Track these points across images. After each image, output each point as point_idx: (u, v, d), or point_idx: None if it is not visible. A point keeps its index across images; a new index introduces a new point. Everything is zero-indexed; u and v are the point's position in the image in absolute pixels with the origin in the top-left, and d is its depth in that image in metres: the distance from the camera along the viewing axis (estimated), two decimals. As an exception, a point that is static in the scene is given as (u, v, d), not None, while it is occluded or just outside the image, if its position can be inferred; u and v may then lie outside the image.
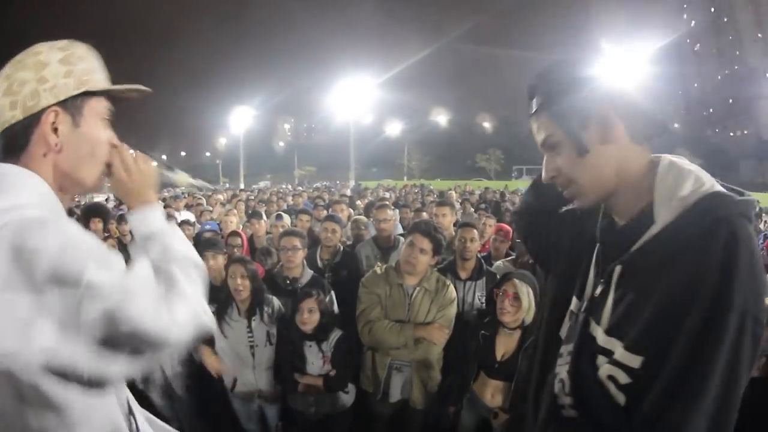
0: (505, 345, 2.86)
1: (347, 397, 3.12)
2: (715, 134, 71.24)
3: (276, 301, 3.21)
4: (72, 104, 1.03)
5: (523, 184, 36.70)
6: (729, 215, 0.91)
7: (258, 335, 3.09)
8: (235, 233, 4.36)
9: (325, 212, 6.66)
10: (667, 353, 0.89)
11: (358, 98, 46.83)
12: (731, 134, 70.31)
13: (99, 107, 1.08)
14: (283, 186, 33.89)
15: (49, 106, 1.00)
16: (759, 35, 67.98)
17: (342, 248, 4.22)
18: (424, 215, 5.78)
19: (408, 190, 16.38)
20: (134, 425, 1.12)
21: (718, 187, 0.96)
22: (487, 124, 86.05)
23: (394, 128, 77.27)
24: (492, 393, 2.88)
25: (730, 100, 70.32)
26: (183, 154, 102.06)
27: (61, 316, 0.83)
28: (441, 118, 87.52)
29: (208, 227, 5.28)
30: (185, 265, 1.08)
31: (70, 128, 1.03)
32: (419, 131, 78.20)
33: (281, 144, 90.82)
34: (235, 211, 6.63)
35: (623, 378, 0.95)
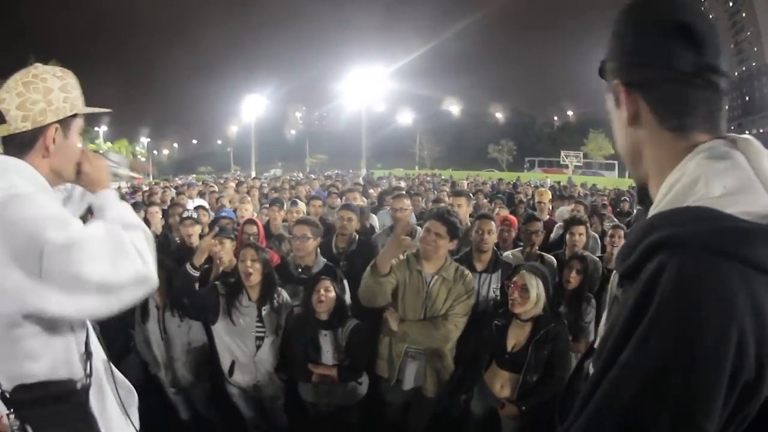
0: (516, 336, 2.87)
1: (360, 387, 3.10)
2: (730, 132, 70.77)
3: (284, 294, 3.18)
4: (65, 122, 1.39)
5: (534, 176, 36.51)
6: (672, 241, 0.69)
7: (268, 325, 3.05)
8: (251, 221, 4.33)
9: (339, 200, 6.64)
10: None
11: (370, 87, 46.72)
12: (746, 132, 69.48)
13: (79, 124, 1.46)
14: (295, 174, 33.96)
15: (52, 123, 1.35)
16: (778, 32, 66.91)
17: (357, 237, 4.20)
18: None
19: (421, 180, 16.30)
20: (89, 365, 1.41)
21: (719, 198, 0.70)
22: (499, 115, 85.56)
23: (406, 117, 77.09)
24: (501, 384, 2.89)
25: (747, 98, 69.31)
26: (195, 142, 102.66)
27: (29, 267, 1.14)
28: (453, 107, 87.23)
29: (224, 214, 5.26)
30: (130, 226, 1.39)
31: (62, 139, 1.39)
32: (431, 121, 78.03)
33: (293, 132, 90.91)
34: (249, 198, 6.63)
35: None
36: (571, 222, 4.18)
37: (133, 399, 1.69)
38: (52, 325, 1.28)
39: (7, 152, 1.33)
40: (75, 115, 1.42)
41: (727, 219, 0.67)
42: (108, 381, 1.54)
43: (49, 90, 1.33)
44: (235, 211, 5.93)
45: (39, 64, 1.38)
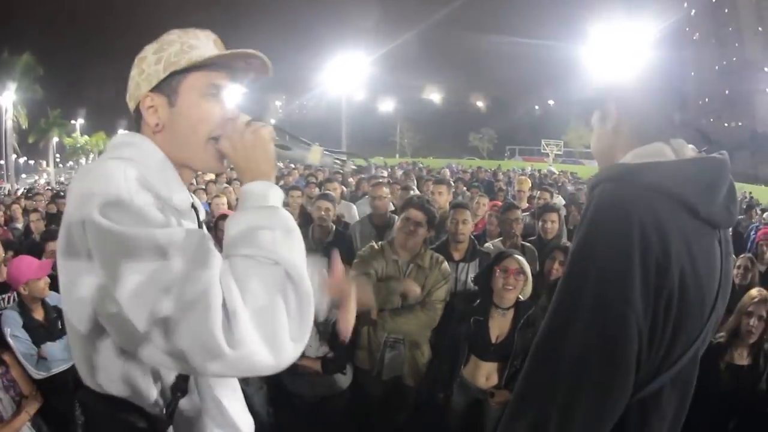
0: (499, 326, 2.86)
1: (344, 378, 3.11)
2: (710, 124, 71.38)
3: None
4: (166, 86, 1.08)
5: (515, 164, 36.79)
6: (596, 181, 1.03)
7: None
8: (224, 216, 4.24)
9: (317, 190, 6.59)
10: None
11: (351, 75, 46.44)
12: (726, 125, 70.34)
13: (198, 83, 1.09)
14: (278, 163, 33.70)
15: (144, 93, 1.08)
16: (759, 29, 67.72)
17: (335, 228, 4.19)
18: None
19: (404, 168, 16.21)
20: (172, 404, 1.06)
21: (628, 161, 1.03)
22: (480, 104, 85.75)
23: (387, 105, 76.83)
24: (486, 375, 2.89)
25: (727, 92, 70.30)
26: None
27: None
28: (434, 96, 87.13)
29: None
30: (294, 276, 0.92)
31: (166, 108, 1.08)
32: (412, 109, 77.89)
33: (273, 121, 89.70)
34: (224, 194, 6.53)
35: None
36: (543, 209, 4.23)
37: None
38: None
39: (131, 128, 1.17)
40: (185, 74, 1.07)
41: (634, 163, 1.00)
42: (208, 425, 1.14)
43: (142, 59, 1.10)
44: (210, 204, 5.86)
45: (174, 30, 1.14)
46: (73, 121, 55.16)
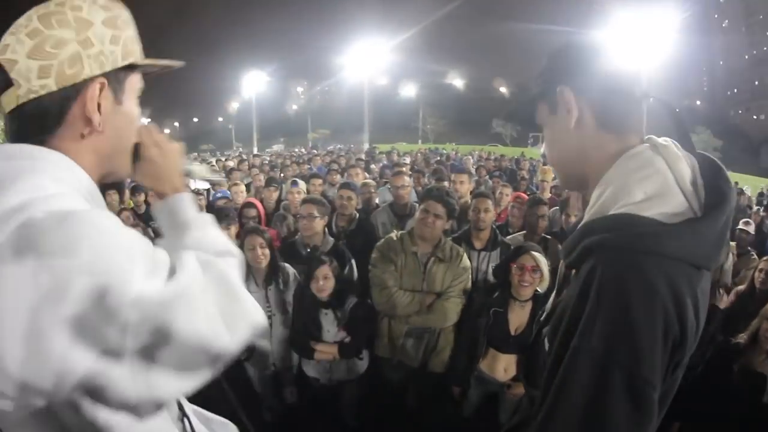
0: (518, 318, 2.87)
1: (361, 363, 3.16)
2: (738, 115, 69.16)
3: (290, 269, 3.22)
4: (115, 77, 0.88)
5: (538, 153, 36.28)
6: (600, 246, 0.86)
7: (275, 304, 3.12)
8: (250, 204, 4.30)
9: (339, 177, 6.62)
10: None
11: (373, 60, 46.20)
12: (754, 117, 67.94)
13: (136, 83, 0.95)
14: (296, 149, 33.80)
15: (93, 77, 0.83)
16: (792, 18, 65.38)
17: (357, 216, 4.21)
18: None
19: (425, 155, 16.15)
20: (188, 427, 1.04)
21: (639, 203, 0.86)
22: (504, 90, 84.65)
23: (409, 91, 76.35)
24: (505, 367, 2.91)
25: (756, 82, 67.98)
26: (195, 120, 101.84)
27: (100, 339, 0.68)
28: (457, 81, 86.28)
29: (219, 195, 5.25)
30: (224, 254, 0.94)
31: (112, 105, 0.88)
32: (434, 94, 77.32)
33: (294, 107, 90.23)
34: (241, 181, 6.60)
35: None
36: (567, 204, 4.14)
37: None
38: (140, 410, 0.79)
39: (19, 135, 0.82)
40: (130, 68, 0.91)
41: (644, 223, 0.84)
42: (209, 430, 1.17)
43: (87, 23, 0.82)
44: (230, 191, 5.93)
45: None
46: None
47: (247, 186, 7.46)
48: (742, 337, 2.75)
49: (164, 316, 0.72)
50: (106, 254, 0.69)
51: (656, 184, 0.87)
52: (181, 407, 1.05)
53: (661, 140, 0.95)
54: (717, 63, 74.75)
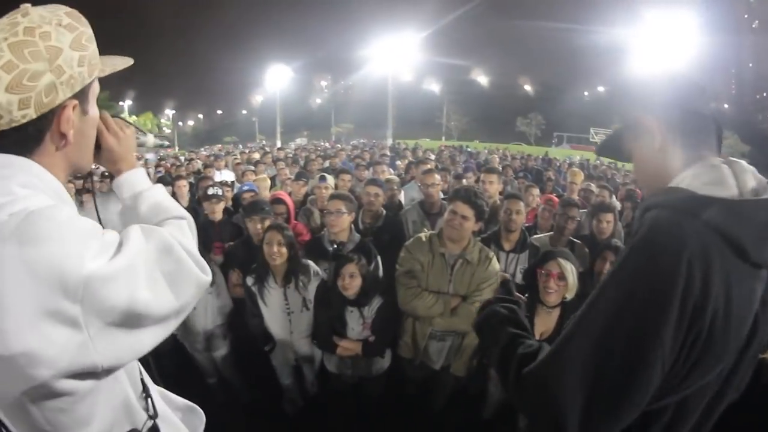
0: (544, 323, 2.82)
1: (383, 361, 3.15)
2: (766, 120, 67.35)
3: (313, 267, 3.21)
4: (82, 93, 0.96)
5: (562, 152, 35.93)
6: (653, 205, 1.02)
7: (293, 302, 3.12)
8: (279, 200, 4.27)
9: (366, 172, 6.60)
10: None
11: (397, 55, 46.10)
12: None
13: (96, 88, 1.03)
14: (321, 143, 33.95)
15: (67, 100, 0.92)
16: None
17: (384, 212, 4.19)
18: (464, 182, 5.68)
19: (451, 152, 16.04)
20: (150, 405, 1.15)
21: (685, 186, 1.00)
22: (528, 88, 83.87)
23: (433, 87, 76.09)
24: None
25: None
26: (219, 112, 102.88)
27: (64, 315, 0.80)
28: (481, 78, 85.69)
29: (246, 188, 5.26)
30: (172, 219, 1.12)
31: (80, 118, 0.98)
32: (459, 91, 76.93)
33: (318, 101, 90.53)
34: (266, 174, 6.63)
35: None
36: (599, 208, 4.02)
37: (200, 419, 1.39)
38: (99, 378, 0.91)
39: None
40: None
41: (695, 194, 0.97)
42: (173, 411, 1.28)
43: (57, 51, 0.88)
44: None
45: (27, 6, 0.90)
46: (120, 103, 57.14)
47: (272, 179, 7.50)
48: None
49: (109, 288, 0.83)
50: (62, 243, 0.81)
51: (713, 176, 0.99)
52: (144, 387, 1.16)
53: (734, 159, 1.05)
54: (746, 65, 72.82)
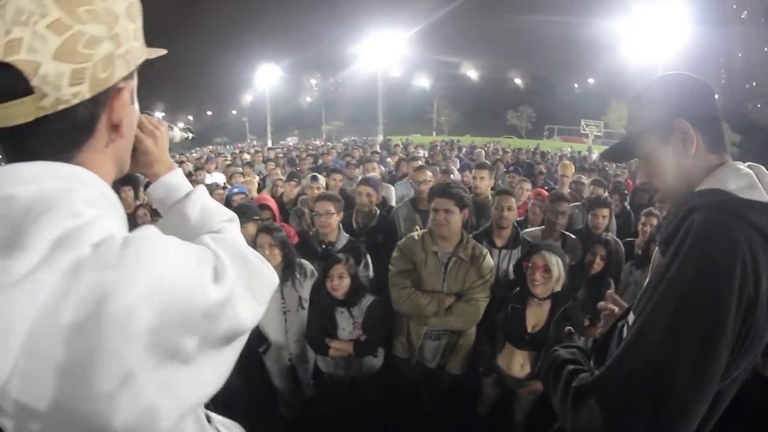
0: (536, 316, 2.84)
1: (376, 360, 3.14)
2: (756, 109, 67.57)
3: (308, 266, 3.20)
4: (131, 75, 0.78)
5: (553, 145, 36.04)
6: (701, 206, 1.05)
7: (289, 300, 3.11)
8: (263, 206, 4.23)
9: (357, 171, 6.59)
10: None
11: (387, 52, 46.06)
12: None
13: (135, 80, 0.85)
14: (313, 141, 33.87)
15: (123, 79, 0.75)
16: (813, 9, 63.67)
17: (378, 212, 4.16)
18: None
19: (443, 147, 16.01)
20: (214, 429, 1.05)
21: (733, 190, 1.04)
22: (518, 81, 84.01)
23: (423, 82, 76.10)
24: (521, 364, 2.88)
25: None
26: (209, 113, 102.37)
27: (186, 351, 0.67)
28: (471, 73, 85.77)
29: (236, 191, 5.24)
30: (227, 220, 1.01)
31: (129, 107, 0.79)
32: (449, 86, 76.98)
33: (308, 99, 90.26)
34: (257, 175, 6.59)
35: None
36: (595, 203, 4.03)
37: None
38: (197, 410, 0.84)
39: (36, 153, 0.68)
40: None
41: (738, 197, 1.03)
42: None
43: (114, 16, 0.70)
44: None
45: None
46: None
47: (263, 179, 7.47)
48: None
49: (225, 313, 0.73)
50: (179, 270, 0.67)
51: (746, 181, 1.05)
52: (208, 416, 1.06)
53: (754, 164, 1.13)
54: (735, 55, 73.15)
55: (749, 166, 1.10)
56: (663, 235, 1.17)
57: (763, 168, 1.12)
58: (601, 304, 1.63)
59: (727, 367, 0.98)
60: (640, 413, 0.95)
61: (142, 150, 0.97)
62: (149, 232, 0.69)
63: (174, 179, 1.02)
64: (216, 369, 0.75)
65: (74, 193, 0.67)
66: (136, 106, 0.86)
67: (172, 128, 1.19)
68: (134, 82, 0.81)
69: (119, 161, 0.83)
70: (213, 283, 0.71)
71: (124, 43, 0.72)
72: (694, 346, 0.93)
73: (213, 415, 1.13)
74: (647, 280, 1.28)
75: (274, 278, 0.93)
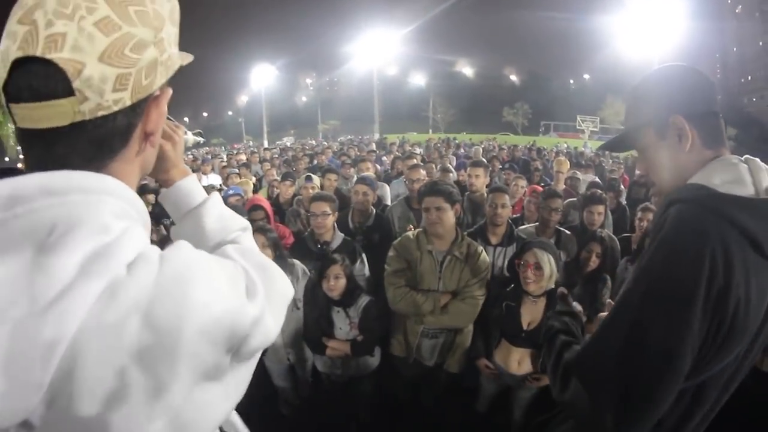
0: (531, 314, 2.84)
1: (373, 359, 3.14)
2: (752, 103, 67.67)
3: (300, 266, 3.19)
4: (167, 82, 0.75)
5: (550, 141, 36.08)
6: (678, 200, 1.07)
7: None
8: (256, 206, 4.23)
9: (352, 170, 6.58)
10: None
11: (382, 50, 46.04)
12: None
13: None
14: (309, 140, 33.85)
15: (161, 88, 0.72)
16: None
17: (374, 211, 4.16)
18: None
19: (439, 145, 16.00)
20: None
21: (717, 185, 1.05)
22: (514, 77, 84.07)
23: (419, 80, 76.14)
24: (519, 360, 2.88)
25: None
26: (205, 114, 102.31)
27: (220, 369, 0.67)
28: (467, 70, 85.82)
29: (231, 192, 5.23)
30: (241, 229, 1.00)
31: (161, 114, 0.75)
32: (444, 83, 77.02)
33: (304, 99, 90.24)
34: (251, 177, 6.58)
35: None
36: (591, 200, 4.00)
37: None
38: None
39: (67, 161, 0.63)
40: None
41: (716, 192, 1.04)
42: None
43: (161, 20, 0.67)
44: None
45: None
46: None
47: (259, 180, 7.46)
48: None
49: (260, 330, 0.72)
50: (219, 290, 0.66)
51: (732, 175, 1.06)
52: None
53: (749, 157, 1.13)
54: (730, 50, 73.28)
55: (745, 160, 1.11)
56: (653, 230, 1.18)
57: (758, 161, 1.12)
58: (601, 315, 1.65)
59: (704, 358, 1.01)
60: (610, 393, 1.01)
61: (160, 155, 0.92)
62: (184, 250, 0.67)
63: (189, 185, 1.00)
64: (241, 382, 0.75)
65: (103, 205, 0.62)
66: (164, 112, 0.79)
67: (186, 132, 1.17)
68: (170, 90, 0.77)
69: (145, 169, 0.80)
70: (249, 302, 0.71)
71: (166, 49, 0.69)
72: (657, 334, 0.97)
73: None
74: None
75: (290, 289, 0.91)
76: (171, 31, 0.70)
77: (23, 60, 0.58)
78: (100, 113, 0.62)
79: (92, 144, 0.64)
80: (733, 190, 1.04)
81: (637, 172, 1.18)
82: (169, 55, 0.70)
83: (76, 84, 0.59)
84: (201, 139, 1.30)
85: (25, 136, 0.63)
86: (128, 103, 0.64)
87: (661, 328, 0.97)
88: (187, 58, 0.79)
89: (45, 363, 0.52)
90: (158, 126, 0.73)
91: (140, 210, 0.71)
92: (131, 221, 0.65)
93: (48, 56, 0.57)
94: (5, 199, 0.56)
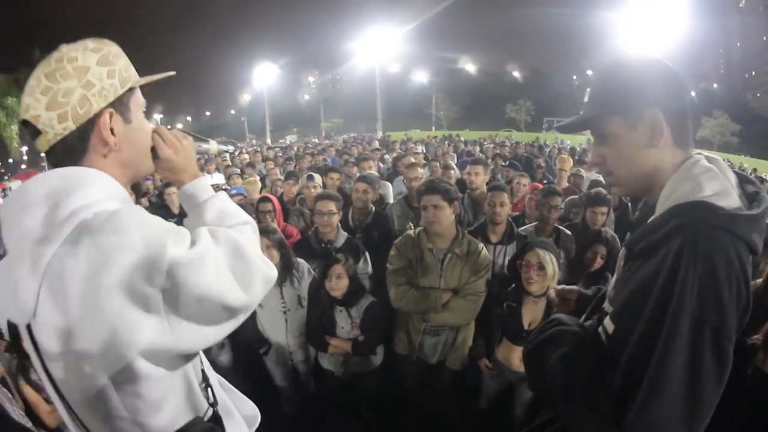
0: (531, 314, 2.84)
1: (375, 357, 3.17)
2: (756, 99, 67.19)
3: (305, 265, 3.22)
4: (119, 102, 1.06)
5: (553, 137, 35.95)
6: (690, 224, 1.02)
7: (289, 299, 3.13)
8: (265, 198, 4.24)
9: (355, 169, 6.59)
10: (631, 334, 1.05)
11: (384, 47, 45.90)
12: None
13: (139, 99, 1.14)
14: (312, 138, 33.81)
15: (102, 110, 1.03)
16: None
17: (374, 209, 4.19)
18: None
19: (439, 142, 15.95)
20: (210, 394, 1.22)
21: (711, 197, 1.04)
22: (517, 74, 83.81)
23: (421, 77, 75.96)
24: (520, 359, 2.88)
25: None
26: (208, 114, 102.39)
27: (146, 299, 0.91)
28: (469, 67, 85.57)
29: (234, 192, 5.24)
30: (238, 224, 1.17)
31: (123, 126, 1.08)
32: (447, 80, 76.74)
33: (306, 97, 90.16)
34: (256, 176, 6.57)
35: (606, 334, 1.19)
36: (595, 201, 3.96)
37: (252, 411, 1.46)
38: (172, 363, 1.03)
39: (58, 165, 1.03)
40: (131, 91, 1.10)
41: (720, 210, 1.02)
42: (233, 402, 1.37)
43: (84, 69, 1.00)
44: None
45: (63, 46, 1.01)
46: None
47: (262, 179, 7.45)
48: (757, 338, 2.57)
49: (187, 274, 0.94)
50: (145, 234, 0.93)
51: (720, 184, 1.05)
52: (204, 376, 1.23)
53: (712, 156, 1.15)
54: (734, 45, 72.80)
55: (709, 160, 1.12)
56: (638, 241, 1.15)
57: (721, 160, 1.14)
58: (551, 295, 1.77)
59: None
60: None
61: (163, 158, 1.19)
62: (133, 208, 0.99)
63: (194, 187, 1.23)
64: (187, 329, 0.98)
65: (89, 186, 0.98)
66: (139, 121, 1.13)
67: (207, 141, 1.43)
68: (137, 102, 1.12)
69: (129, 165, 1.12)
70: (175, 246, 0.94)
71: (96, 85, 1.01)
72: (713, 368, 0.97)
73: (216, 377, 1.35)
74: (615, 277, 1.30)
75: (269, 273, 1.12)
76: (101, 71, 1.02)
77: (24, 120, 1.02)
78: (59, 137, 1.01)
79: (65, 154, 1.03)
80: (727, 202, 1.03)
81: (588, 159, 1.14)
82: (101, 87, 1.02)
83: (39, 127, 1.00)
84: (229, 148, 1.55)
85: (45, 154, 1.05)
86: (73, 127, 1.01)
87: (714, 354, 0.97)
88: (144, 80, 1.13)
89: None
90: (108, 134, 1.04)
91: (117, 191, 1.06)
92: (110, 196, 1.01)
93: (25, 117, 1.00)
94: (47, 188, 0.97)
